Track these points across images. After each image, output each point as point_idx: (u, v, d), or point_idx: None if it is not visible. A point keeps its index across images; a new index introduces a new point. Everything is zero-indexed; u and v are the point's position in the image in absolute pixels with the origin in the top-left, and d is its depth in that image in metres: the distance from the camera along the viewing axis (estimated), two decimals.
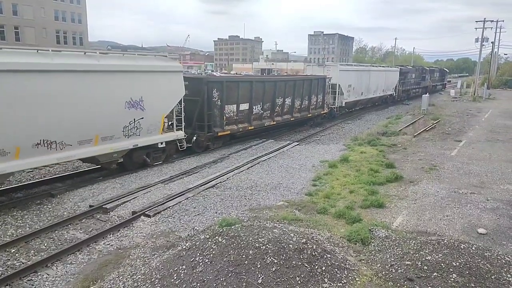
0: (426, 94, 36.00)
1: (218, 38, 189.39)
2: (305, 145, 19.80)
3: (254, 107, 19.50)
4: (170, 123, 15.00)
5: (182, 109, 15.05)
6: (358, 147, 18.79)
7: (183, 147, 15.57)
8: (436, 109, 35.83)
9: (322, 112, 26.68)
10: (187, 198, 11.13)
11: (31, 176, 13.43)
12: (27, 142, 10.19)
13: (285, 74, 62.42)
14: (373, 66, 42.16)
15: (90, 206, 10.47)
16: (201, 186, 12.20)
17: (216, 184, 12.50)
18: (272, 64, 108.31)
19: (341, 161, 15.70)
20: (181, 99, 14.76)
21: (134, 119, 13.11)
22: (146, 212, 10.00)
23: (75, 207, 10.52)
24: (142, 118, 13.31)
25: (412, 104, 41.87)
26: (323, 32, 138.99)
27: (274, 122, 21.40)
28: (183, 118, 15.14)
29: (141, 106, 13.19)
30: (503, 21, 79.11)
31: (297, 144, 19.63)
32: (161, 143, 14.47)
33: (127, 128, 12.94)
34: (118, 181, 12.71)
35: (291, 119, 22.99)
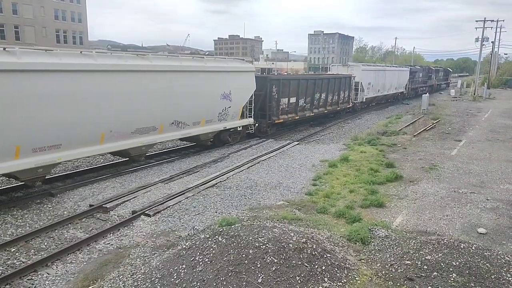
0: (426, 94, 36.10)
1: (218, 38, 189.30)
2: (305, 145, 19.80)
3: (299, 100, 23.54)
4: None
5: (253, 101, 18.99)
6: (358, 147, 18.79)
7: (252, 131, 19.90)
8: (436, 109, 35.83)
9: (348, 106, 30.74)
10: (187, 198, 11.13)
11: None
12: (167, 121, 14.40)
13: (285, 73, 62.39)
14: (388, 66, 45.72)
15: (90, 205, 10.47)
16: (201, 185, 12.20)
17: (216, 183, 12.50)
18: (272, 63, 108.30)
19: (341, 161, 15.69)
20: (253, 93, 18.74)
21: (225, 107, 17.24)
22: (146, 212, 10.00)
23: (75, 206, 10.52)
24: (230, 107, 17.46)
25: (412, 104, 41.91)
26: (323, 31, 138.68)
27: (313, 114, 25.49)
28: (253, 108, 19.16)
29: (230, 98, 17.29)
30: (503, 20, 78.74)
31: (297, 144, 19.63)
32: (239, 127, 18.75)
33: (220, 114, 17.08)
34: (118, 180, 12.72)
35: (325, 111, 27.07)
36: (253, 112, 19.18)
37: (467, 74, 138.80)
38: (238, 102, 17.91)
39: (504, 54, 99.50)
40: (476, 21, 53.82)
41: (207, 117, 16.30)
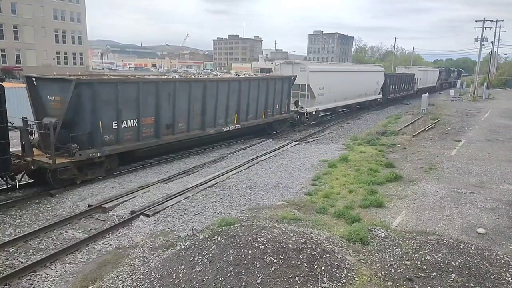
0: (426, 94, 36.20)
1: (217, 38, 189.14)
2: (305, 145, 19.79)
3: (395, 87, 42.73)
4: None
5: (382, 86, 37.80)
6: (357, 147, 18.79)
7: (381, 102, 39.00)
8: (435, 109, 35.85)
9: (411, 93, 48.60)
10: (186, 198, 11.12)
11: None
12: (361, 93, 33.71)
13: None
14: (429, 68, 65.05)
15: (89, 205, 10.45)
16: (200, 185, 12.19)
17: (216, 183, 12.49)
18: (272, 63, 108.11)
19: (341, 161, 15.69)
20: (383, 83, 38.04)
21: (376, 88, 36.75)
22: (145, 212, 9.99)
23: (74, 206, 10.50)
24: (377, 88, 36.83)
25: (412, 104, 41.98)
26: (322, 31, 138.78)
27: (399, 95, 44.11)
28: (381, 90, 38.03)
29: (378, 84, 36.77)
30: (502, 20, 78.57)
31: (297, 144, 19.62)
32: (378, 99, 37.84)
33: (374, 91, 36.49)
34: (117, 180, 12.70)
35: (403, 94, 45.47)
36: (381, 92, 37.84)
37: (467, 74, 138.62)
38: (379, 86, 37.12)
39: (504, 54, 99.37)
40: (476, 21, 53.82)
41: (371, 92, 35.44)
